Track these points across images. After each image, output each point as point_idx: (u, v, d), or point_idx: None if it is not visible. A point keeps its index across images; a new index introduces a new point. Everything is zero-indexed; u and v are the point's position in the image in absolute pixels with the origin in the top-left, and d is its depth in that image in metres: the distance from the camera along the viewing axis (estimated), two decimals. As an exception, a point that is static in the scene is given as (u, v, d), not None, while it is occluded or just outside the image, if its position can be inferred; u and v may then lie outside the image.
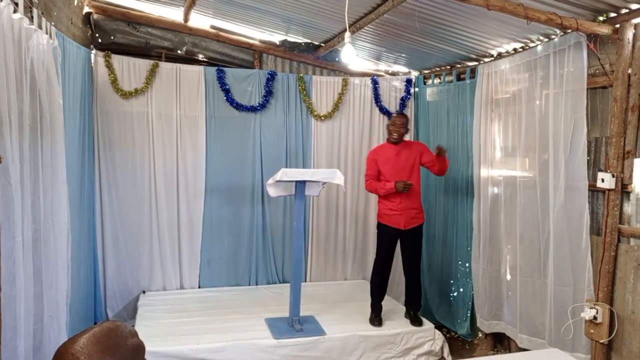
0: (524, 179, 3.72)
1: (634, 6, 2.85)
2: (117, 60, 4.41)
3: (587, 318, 3.01)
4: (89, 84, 4.24)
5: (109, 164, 4.44)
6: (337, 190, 5.03)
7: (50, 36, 3.08)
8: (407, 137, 4.56)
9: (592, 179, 3.15)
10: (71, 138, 3.66)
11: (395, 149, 3.98)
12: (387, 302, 4.51)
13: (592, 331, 3.05)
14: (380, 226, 4.05)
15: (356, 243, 5.21)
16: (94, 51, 4.36)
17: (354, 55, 3.15)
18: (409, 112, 5.14)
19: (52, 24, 3.26)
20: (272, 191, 3.85)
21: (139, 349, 1.07)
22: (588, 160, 3.17)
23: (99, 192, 4.43)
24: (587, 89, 3.15)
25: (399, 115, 4.11)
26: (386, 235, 4.00)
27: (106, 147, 4.42)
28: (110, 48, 4.47)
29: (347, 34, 3.08)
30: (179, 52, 4.74)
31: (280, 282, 4.98)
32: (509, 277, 3.89)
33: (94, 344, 1.00)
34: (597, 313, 2.98)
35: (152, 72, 4.48)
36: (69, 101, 3.57)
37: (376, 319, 3.99)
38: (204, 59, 4.83)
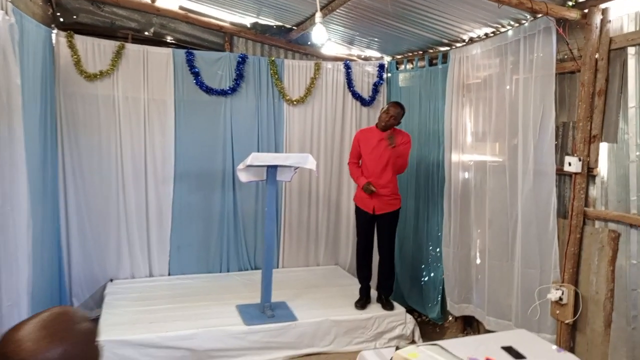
0: (493, 163, 3.75)
1: (602, -9, 2.88)
2: (80, 40, 4.23)
3: (553, 299, 3.08)
4: (51, 65, 4.05)
5: (73, 148, 4.28)
6: (310, 175, 4.99)
7: (7, 12, 2.92)
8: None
9: (560, 163, 3.19)
10: (31, 121, 3.50)
11: (380, 135, 3.94)
12: (358, 288, 4.53)
13: (557, 312, 3.12)
14: (355, 208, 4.09)
15: (328, 229, 5.20)
16: (55, 31, 4.17)
17: (325, 36, 3.10)
18: (382, 97, 5.13)
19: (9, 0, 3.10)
20: (243, 176, 3.79)
21: (91, 333, 1.01)
22: (556, 145, 3.22)
23: (63, 177, 4.27)
24: (556, 74, 3.18)
25: (394, 105, 3.97)
26: (360, 218, 4.05)
27: (70, 131, 4.26)
28: (73, 28, 4.28)
29: (318, 14, 3.02)
30: (146, 33, 4.59)
31: (252, 269, 4.93)
32: (478, 261, 3.94)
33: (41, 329, 0.94)
34: (562, 294, 3.05)
35: (118, 54, 4.32)
36: (28, 82, 3.41)
37: (358, 302, 4.03)
38: (173, 41, 4.69)
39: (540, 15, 3.12)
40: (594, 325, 3.01)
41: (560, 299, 3.05)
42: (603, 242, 2.93)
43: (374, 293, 4.20)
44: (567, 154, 3.16)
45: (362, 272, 4.13)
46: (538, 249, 3.29)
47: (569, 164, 3.04)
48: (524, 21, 3.43)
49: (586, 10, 2.98)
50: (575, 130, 3.10)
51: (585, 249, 3.06)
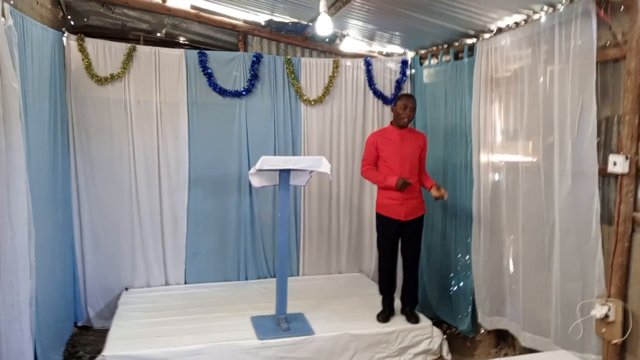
0: (526, 164, 3.42)
1: (650, -33, 2.53)
2: (91, 43, 4.13)
3: (598, 316, 2.72)
4: (61, 69, 3.96)
5: (85, 154, 4.18)
6: (328, 179, 4.75)
7: (3, 14, 2.80)
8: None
9: (603, 162, 2.84)
10: (39, 127, 3.40)
11: (401, 133, 3.70)
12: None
13: (603, 330, 2.77)
14: (379, 217, 3.76)
15: (351, 234, 4.94)
16: (65, 34, 4.08)
17: (330, 26, 2.82)
18: (405, 95, 4.83)
19: (11, 2, 2.99)
20: (255, 181, 3.58)
21: None
22: (598, 142, 2.86)
23: (76, 185, 4.18)
24: (597, 62, 2.83)
25: (410, 97, 3.74)
26: (388, 228, 3.71)
27: (82, 137, 4.16)
28: (84, 31, 4.19)
29: (323, 2, 2.75)
30: (158, 34, 4.46)
31: (270, 277, 4.72)
32: (511, 270, 3.61)
33: None
34: (609, 311, 2.69)
35: (129, 56, 4.20)
36: (34, 87, 3.31)
37: (382, 314, 3.75)
38: (185, 42, 4.55)
39: (577, -3, 2.79)
40: (645, 346, 2.65)
41: (607, 315, 2.70)
42: (655, 251, 2.57)
43: (397, 304, 3.91)
44: (612, 152, 2.79)
45: (388, 284, 3.83)
46: (579, 259, 2.94)
47: (614, 164, 2.69)
48: (559, 5, 3.09)
49: (632, -11, 2.63)
50: (621, 125, 2.74)
51: (635, 260, 2.70)
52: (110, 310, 4.25)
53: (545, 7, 3.19)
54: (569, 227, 2.99)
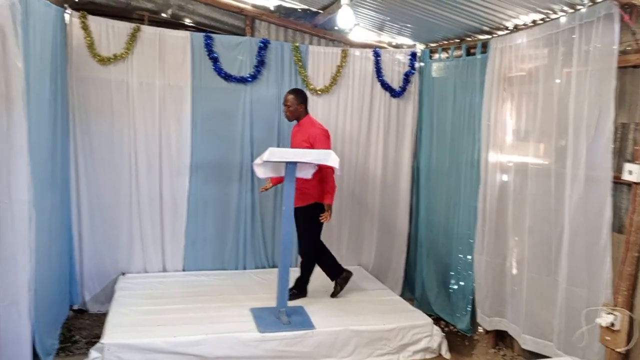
0: (537, 166, 3.38)
1: (679, -28, 2.47)
2: (94, 21, 4.00)
3: (603, 324, 2.72)
4: (62, 47, 3.83)
5: (84, 135, 4.08)
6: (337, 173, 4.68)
7: (7, -10, 2.68)
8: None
9: (617, 169, 2.81)
10: (39, 107, 3.29)
11: (295, 127, 3.94)
12: (382, 292, 4.27)
13: (607, 338, 2.77)
14: (318, 206, 3.85)
15: (351, 227, 4.90)
16: (68, 11, 3.94)
17: (352, 20, 2.74)
18: (413, 88, 4.76)
19: (14, -24, 2.86)
20: (260, 172, 3.52)
21: None
22: (613, 149, 2.82)
23: (75, 166, 4.09)
24: (617, 67, 2.78)
25: (288, 92, 3.89)
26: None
27: (82, 118, 4.05)
28: (87, 8, 4.04)
29: (346, -6, 2.67)
30: (163, 15, 4.33)
31: (269, 267, 4.69)
32: (514, 271, 3.59)
33: None
34: (615, 319, 2.69)
35: (133, 37, 4.08)
36: (36, 65, 3.18)
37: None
38: (191, 24, 4.42)
39: (601, -1, 2.72)
40: (649, 356, 2.65)
41: (612, 324, 2.69)
42: (666, 262, 2.56)
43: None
44: (628, 161, 2.76)
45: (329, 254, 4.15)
46: (587, 266, 2.92)
47: (630, 172, 2.66)
48: (580, 6, 3.02)
49: (659, -6, 2.57)
50: (637, 133, 2.71)
51: (643, 270, 2.69)
52: (106, 295, 4.21)
53: (566, 8, 3.12)
54: (578, 233, 2.97)
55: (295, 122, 3.94)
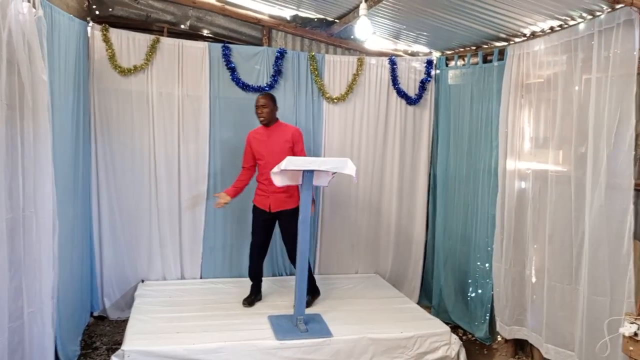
0: (556, 173, 3.35)
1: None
2: (115, 34, 4.09)
3: (626, 334, 2.67)
4: (85, 60, 3.93)
5: (106, 146, 4.16)
6: (348, 178, 4.69)
7: (34, 5, 2.77)
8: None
9: (638, 177, 2.77)
10: (63, 117, 3.37)
11: (267, 131, 3.91)
12: (399, 300, 4.24)
13: (631, 348, 2.71)
14: (252, 207, 4.02)
15: (368, 235, 4.90)
16: (90, 24, 4.04)
17: (370, 30, 2.77)
18: (429, 95, 4.76)
19: (40, -9, 2.95)
20: (277, 180, 3.54)
21: None
22: (634, 156, 2.79)
23: (96, 176, 4.17)
24: (637, 73, 2.75)
25: (260, 96, 3.90)
26: (257, 217, 4.00)
27: (103, 128, 4.14)
28: (109, 21, 4.15)
29: (363, 6, 2.71)
30: (182, 26, 4.40)
31: (285, 274, 4.72)
32: (534, 279, 3.55)
33: None
34: (638, 329, 2.64)
35: (153, 48, 4.16)
36: (60, 78, 3.28)
37: (247, 299, 3.97)
38: (209, 35, 4.49)
39: (620, 5, 2.70)
40: (675, 367, 2.59)
41: (636, 334, 2.64)
42: (690, 271, 2.51)
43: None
44: (649, 167, 2.73)
45: (254, 270, 4.09)
46: (609, 274, 2.88)
47: (652, 179, 2.62)
48: (599, 13, 3.00)
49: (679, 0, 2.55)
50: (659, 140, 2.68)
51: (667, 278, 2.65)
52: (125, 302, 4.27)
53: (584, 14, 3.10)
54: (600, 241, 2.93)
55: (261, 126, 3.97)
